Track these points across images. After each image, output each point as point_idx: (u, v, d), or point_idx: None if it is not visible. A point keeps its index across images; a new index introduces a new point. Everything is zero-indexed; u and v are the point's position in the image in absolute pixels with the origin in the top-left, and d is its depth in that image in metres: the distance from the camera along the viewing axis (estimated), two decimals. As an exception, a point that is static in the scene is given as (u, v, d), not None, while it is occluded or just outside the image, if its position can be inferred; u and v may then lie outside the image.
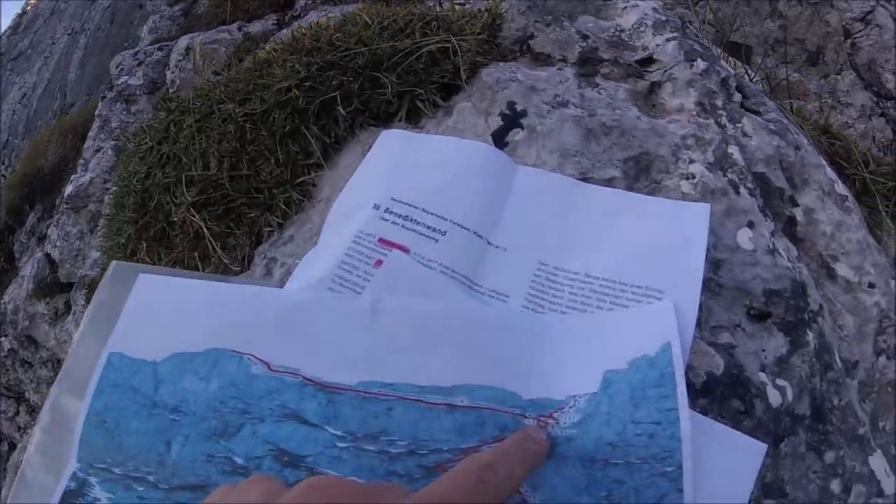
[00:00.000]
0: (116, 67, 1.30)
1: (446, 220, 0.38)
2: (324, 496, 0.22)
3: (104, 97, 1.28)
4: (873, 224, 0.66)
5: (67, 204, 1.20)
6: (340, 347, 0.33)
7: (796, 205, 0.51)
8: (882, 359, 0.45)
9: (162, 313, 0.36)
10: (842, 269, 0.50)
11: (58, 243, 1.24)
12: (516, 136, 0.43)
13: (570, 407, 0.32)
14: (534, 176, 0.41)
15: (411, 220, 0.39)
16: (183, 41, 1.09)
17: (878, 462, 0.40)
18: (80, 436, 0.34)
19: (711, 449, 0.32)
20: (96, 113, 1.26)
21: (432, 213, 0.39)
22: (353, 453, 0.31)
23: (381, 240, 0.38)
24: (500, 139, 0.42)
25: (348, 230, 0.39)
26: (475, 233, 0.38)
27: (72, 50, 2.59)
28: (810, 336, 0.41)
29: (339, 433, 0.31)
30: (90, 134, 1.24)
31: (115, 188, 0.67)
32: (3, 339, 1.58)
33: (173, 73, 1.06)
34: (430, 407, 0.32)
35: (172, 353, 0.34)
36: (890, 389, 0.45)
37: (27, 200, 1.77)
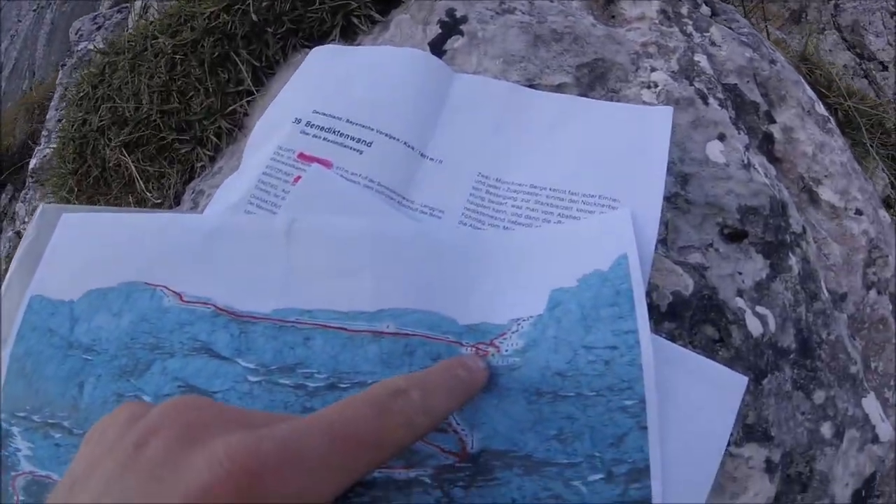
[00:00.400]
0: (76, 34, 1.25)
1: (372, 129, 0.35)
2: (182, 418, 0.19)
3: (64, 65, 1.23)
4: (856, 157, 0.64)
5: (32, 178, 1.16)
6: (254, 273, 0.30)
7: (773, 122, 0.48)
8: (872, 293, 0.43)
9: (81, 251, 0.34)
10: (825, 194, 0.47)
11: (26, 219, 1.21)
12: (455, 43, 0.39)
13: (513, 332, 0.28)
14: (473, 83, 0.37)
15: (334, 132, 0.35)
16: (140, 0, 1.05)
17: (871, 405, 0.37)
18: (2, 385, 0.32)
19: (681, 381, 0.27)
20: (57, 82, 1.22)
21: (357, 124, 0.35)
22: (265, 388, 0.28)
23: (300, 154, 0.34)
24: (437, 48, 0.39)
25: (267, 148, 0.35)
26: (406, 143, 0.35)
27: (38, 27, 2.52)
28: (793, 260, 0.38)
29: (251, 366, 0.28)
30: (51, 104, 1.20)
31: (56, 142, 0.64)
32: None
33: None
34: (353, 335, 0.28)
35: (88, 291, 0.32)
36: (881, 327, 0.42)
37: (-1, 181, 1.73)
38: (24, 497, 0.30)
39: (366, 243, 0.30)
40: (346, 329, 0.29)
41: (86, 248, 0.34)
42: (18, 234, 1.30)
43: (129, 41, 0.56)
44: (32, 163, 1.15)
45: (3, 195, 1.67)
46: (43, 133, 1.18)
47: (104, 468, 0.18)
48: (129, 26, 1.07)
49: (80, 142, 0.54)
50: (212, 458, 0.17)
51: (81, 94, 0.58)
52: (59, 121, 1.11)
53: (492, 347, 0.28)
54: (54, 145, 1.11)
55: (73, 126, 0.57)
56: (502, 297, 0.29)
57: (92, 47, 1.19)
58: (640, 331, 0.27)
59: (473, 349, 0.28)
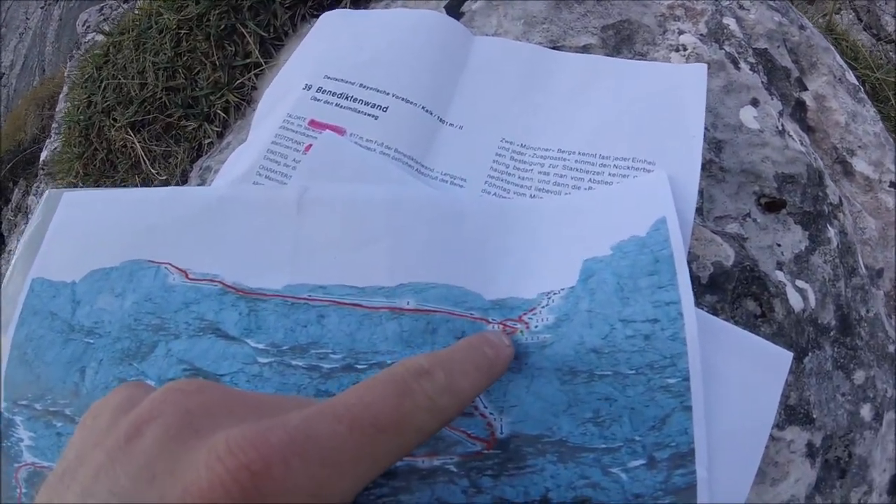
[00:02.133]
0: (83, 25, 1.24)
1: (388, 94, 0.33)
2: (182, 404, 0.17)
3: (72, 57, 1.22)
4: (890, 130, 0.61)
5: (43, 170, 1.15)
6: (264, 247, 0.28)
7: (805, 89, 0.45)
8: None
9: (82, 230, 0.32)
10: (859, 165, 0.45)
11: (38, 213, 1.21)
12: (473, 4, 0.37)
13: (543, 307, 0.26)
14: (494, 45, 0.35)
15: (347, 98, 0.33)
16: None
17: None
18: (4, 373, 0.30)
19: (725, 358, 0.25)
20: (66, 74, 1.21)
21: (371, 88, 0.33)
22: (276, 370, 0.26)
23: (311, 122, 0.32)
24: (454, 10, 0.37)
25: (276, 116, 0.33)
26: (423, 108, 0.33)
27: (46, 23, 2.53)
28: (832, 233, 0.36)
29: (261, 346, 0.27)
30: (60, 96, 1.19)
31: (61, 127, 0.62)
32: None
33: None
34: (370, 312, 0.26)
35: (90, 271, 0.31)
36: None
37: (10, 177, 1.73)
38: (26, 489, 0.29)
39: (382, 212, 0.28)
40: (362, 305, 0.27)
41: (87, 227, 0.32)
42: (30, 228, 1.30)
43: (133, 20, 0.55)
44: (43, 155, 1.15)
45: (17, 190, 1.68)
46: (53, 126, 1.17)
47: (94, 459, 0.16)
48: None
49: (86, 124, 0.53)
50: (211, 455, 0.15)
51: (86, 76, 0.57)
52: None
53: (520, 324, 0.26)
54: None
55: (77, 109, 0.56)
56: (530, 269, 0.27)
57: (99, 39, 1.18)
58: (682, 301, 0.24)
59: (500, 326, 0.26)
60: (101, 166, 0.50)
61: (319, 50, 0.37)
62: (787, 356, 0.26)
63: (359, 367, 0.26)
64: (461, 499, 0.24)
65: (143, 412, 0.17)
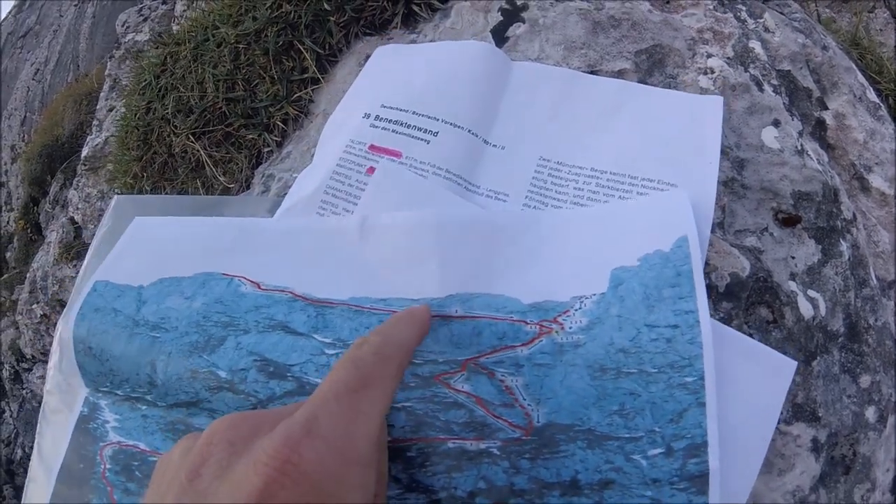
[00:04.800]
0: (122, 25, 1.29)
1: (438, 120, 0.36)
2: (224, 439, 0.21)
3: (112, 56, 1.27)
4: None
5: (85, 166, 1.21)
6: (331, 266, 0.32)
7: (825, 108, 0.47)
8: None
9: (153, 246, 0.36)
10: (876, 181, 0.47)
11: (79, 206, 1.26)
12: (517, 30, 0.40)
13: (577, 309, 0.29)
14: (531, 70, 0.38)
15: (402, 125, 0.37)
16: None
17: None
18: (77, 364, 0.34)
19: (735, 362, 0.28)
20: (106, 73, 1.26)
21: (423, 115, 0.37)
22: None
23: (371, 146, 0.36)
24: (499, 35, 0.40)
25: (339, 141, 0.37)
26: (470, 131, 0.36)
27: (80, 20, 2.59)
28: (844, 246, 0.38)
29: (328, 340, 0.30)
30: (101, 95, 1.24)
31: (117, 130, 0.66)
32: (34, 306, 1.63)
33: (178, 23, 1.04)
34: None
35: (159, 279, 0.34)
36: None
37: (48, 170, 1.79)
38: (111, 465, 0.32)
39: (430, 233, 0.31)
40: None
41: (160, 243, 0.35)
42: (72, 221, 1.35)
43: (189, 31, 0.58)
44: (85, 151, 1.20)
45: (55, 183, 1.74)
46: (94, 123, 1.22)
47: (167, 500, 0.20)
48: (176, 14, 1.10)
49: (145, 130, 0.57)
50: (257, 464, 0.19)
51: (143, 83, 0.61)
52: (111, 110, 1.15)
53: (556, 324, 0.28)
54: (106, 134, 1.15)
55: (135, 115, 0.60)
56: (564, 276, 0.30)
57: (139, 38, 1.23)
58: (699, 311, 0.27)
59: (538, 326, 0.29)
60: (161, 169, 0.54)
61: (375, 81, 0.41)
62: (792, 364, 0.29)
63: (416, 361, 0.29)
64: (503, 478, 0.27)
65: (196, 457, 0.21)
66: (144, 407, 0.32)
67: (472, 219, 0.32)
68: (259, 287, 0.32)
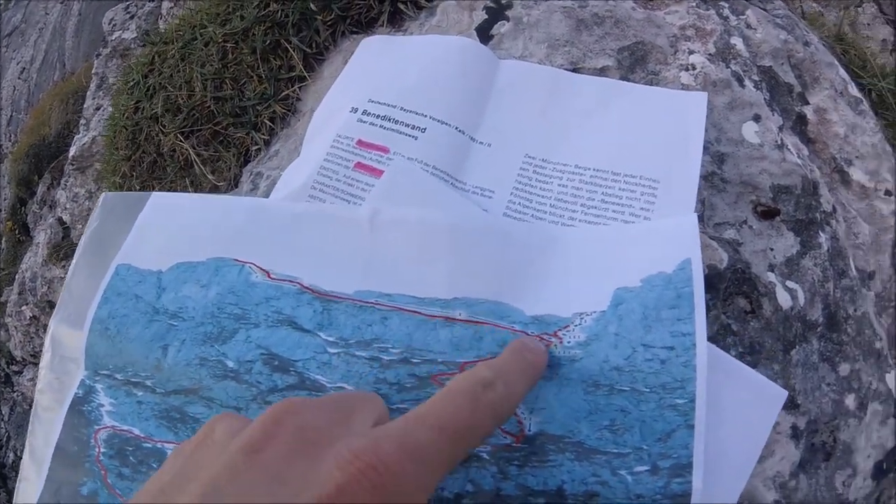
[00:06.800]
0: (109, 23, 1.28)
1: (426, 116, 0.37)
2: (292, 423, 0.20)
3: (99, 55, 1.26)
4: (891, 138, 0.63)
5: (73, 165, 1.20)
6: (340, 257, 0.32)
7: (806, 103, 0.48)
8: None
9: (169, 227, 0.36)
10: (856, 174, 0.47)
11: (67, 206, 1.25)
12: (502, 28, 0.41)
13: (577, 325, 0.29)
14: (519, 69, 0.39)
15: (390, 120, 0.37)
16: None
17: (895, 381, 0.38)
18: (85, 345, 0.34)
19: (726, 387, 0.28)
20: (93, 72, 1.25)
21: (411, 111, 0.37)
22: (343, 359, 0.30)
23: (359, 141, 0.36)
24: (484, 33, 0.40)
25: (326, 136, 0.37)
26: (457, 128, 0.37)
27: (66, 18, 2.56)
28: (823, 238, 0.39)
29: (331, 339, 0.30)
30: (88, 93, 1.22)
31: (106, 129, 0.66)
32: (24, 307, 1.61)
33: (166, 21, 1.04)
34: (427, 319, 0.30)
35: (176, 263, 0.35)
36: None
37: (35, 170, 1.77)
38: (105, 448, 0.33)
39: (443, 235, 0.32)
40: (421, 313, 0.30)
41: (175, 224, 0.36)
42: (60, 221, 1.34)
43: (176, 31, 0.58)
44: (72, 151, 1.19)
45: (41, 184, 1.72)
46: (81, 122, 1.21)
47: (209, 472, 0.18)
48: (163, 12, 1.10)
49: (133, 129, 0.57)
50: (340, 460, 0.18)
51: (131, 83, 0.61)
52: (98, 109, 1.14)
53: (555, 338, 0.29)
54: (94, 133, 1.14)
55: (123, 114, 0.60)
56: (568, 292, 0.30)
57: (126, 36, 1.22)
58: (697, 334, 0.27)
59: (538, 338, 0.29)
60: (150, 169, 0.54)
61: (363, 74, 0.41)
62: (782, 393, 0.30)
63: (413, 360, 0.29)
64: (490, 483, 0.27)
65: (259, 433, 0.19)
66: (141, 393, 0.33)
67: (486, 225, 0.33)
68: (269, 276, 0.33)
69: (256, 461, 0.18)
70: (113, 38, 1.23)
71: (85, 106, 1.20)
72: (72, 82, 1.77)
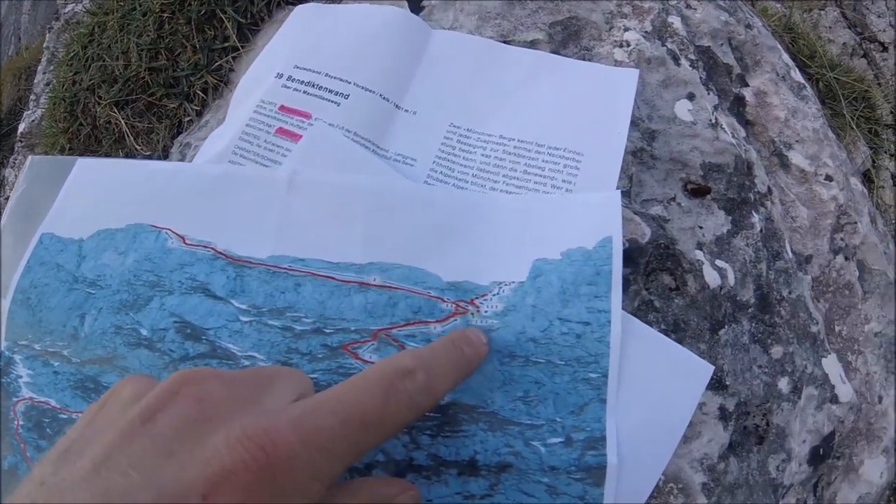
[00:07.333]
0: (62, -3, 1.24)
1: (350, 83, 0.36)
2: (192, 394, 0.19)
3: (51, 28, 1.21)
4: (836, 128, 0.64)
5: (21, 142, 1.16)
6: (254, 220, 0.32)
7: (746, 85, 0.49)
8: (840, 258, 0.44)
9: (92, 194, 0.36)
10: (795, 158, 0.48)
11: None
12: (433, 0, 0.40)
13: (494, 294, 0.29)
14: (450, 39, 0.38)
15: (313, 86, 0.37)
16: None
17: (832, 366, 0.38)
18: (6, 315, 0.34)
19: (647, 359, 0.28)
20: (44, 46, 1.20)
21: (335, 77, 0.37)
22: (255, 328, 0.30)
23: (281, 107, 0.36)
24: (416, 3, 0.40)
25: (251, 102, 0.37)
26: (381, 95, 0.36)
27: (23, -9, 2.47)
28: (756, 218, 0.39)
29: (243, 307, 0.30)
30: (39, 68, 1.18)
31: (47, 102, 0.64)
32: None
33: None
34: (341, 285, 0.30)
35: (98, 230, 0.34)
36: (847, 292, 0.43)
37: (-12, 148, 1.71)
38: (23, 421, 0.32)
39: (361, 199, 0.31)
40: (334, 278, 0.30)
41: (98, 190, 0.35)
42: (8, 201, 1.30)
43: (118, 1, 0.56)
44: (21, 127, 1.15)
45: (-7, 162, 1.66)
46: (31, 97, 1.17)
47: (104, 438, 0.18)
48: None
49: (71, 101, 0.55)
50: (230, 438, 0.17)
51: (71, 54, 0.59)
52: (48, 84, 1.10)
53: (472, 306, 0.29)
54: (43, 109, 1.11)
55: (63, 86, 0.58)
56: (486, 260, 0.30)
57: (78, 9, 1.18)
58: (612, 311, 0.28)
59: (454, 305, 0.29)
60: (86, 141, 0.52)
61: (292, 41, 0.40)
62: (708, 368, 0.30)
63: (326, 330, 0.29)
64: (402, 452, 0.27)
65: (155, 400, 0.19)
66: (57, 363, 0.32)
67: (405, 191, 0.32)
68: (184, 241, 0.32)
69: (148, 430, 0.18)
70: (66, 10, 1.18)
71: (35, 81, 1.16)
72: (24, 57, 1.71)
